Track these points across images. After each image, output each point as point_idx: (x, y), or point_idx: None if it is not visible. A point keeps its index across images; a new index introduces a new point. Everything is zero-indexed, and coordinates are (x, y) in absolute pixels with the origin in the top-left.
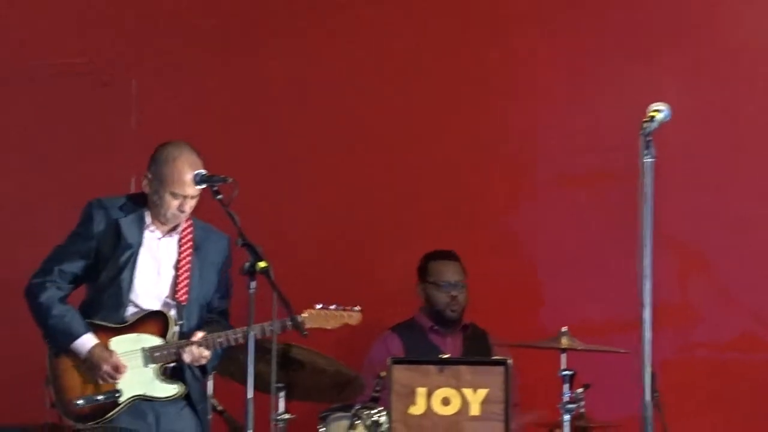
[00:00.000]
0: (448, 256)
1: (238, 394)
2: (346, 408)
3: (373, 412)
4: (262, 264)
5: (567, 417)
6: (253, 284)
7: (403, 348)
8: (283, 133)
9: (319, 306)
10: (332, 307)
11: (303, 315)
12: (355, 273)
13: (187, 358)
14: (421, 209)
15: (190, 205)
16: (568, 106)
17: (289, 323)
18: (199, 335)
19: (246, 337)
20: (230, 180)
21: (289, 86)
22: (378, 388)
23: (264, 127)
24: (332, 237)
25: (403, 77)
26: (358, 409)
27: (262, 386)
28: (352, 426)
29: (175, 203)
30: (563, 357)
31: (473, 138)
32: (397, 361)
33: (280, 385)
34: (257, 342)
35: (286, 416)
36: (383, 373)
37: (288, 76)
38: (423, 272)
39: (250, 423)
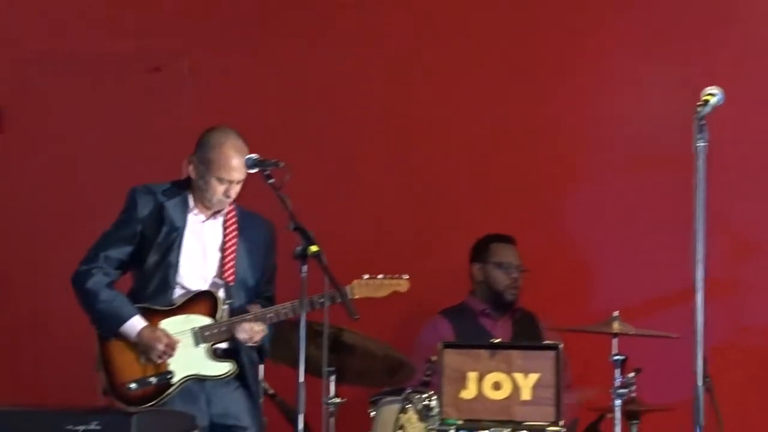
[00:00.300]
0: (509, 239)
1: (288, 378)
2: (396, 392)
3: (423, 396)
4: (313, 248)
5: (618, 402)
6: (304, 268)
7: (453, 332)
8: (337, 114)
9: (366, 276)
10: (380, 276)
11: (351, 285)
12: (406, 256)
13: (242, 335)
14: (473, 193)
15: (235, 190)
16: (620, 90)
17: (339, 299)
18: (253, 308)
19: (295, 311)
20: (282, 164)
21: (344, 66)
22: (429, 373)
23: (318, 108)
24: (383, 222)
25: (461, 58)
26: (409, 393)
27: (313, 370)
28: (403, 410)
29: (221, 188)
30: (614, 342)
31: (527, 122)
32: (448, 345)
33: (331, 369)
34: (308, 326)
35: (337, 400)
36: (434, 358)
37: (343, 56)
38: (483, 253)
39: (302, 406)
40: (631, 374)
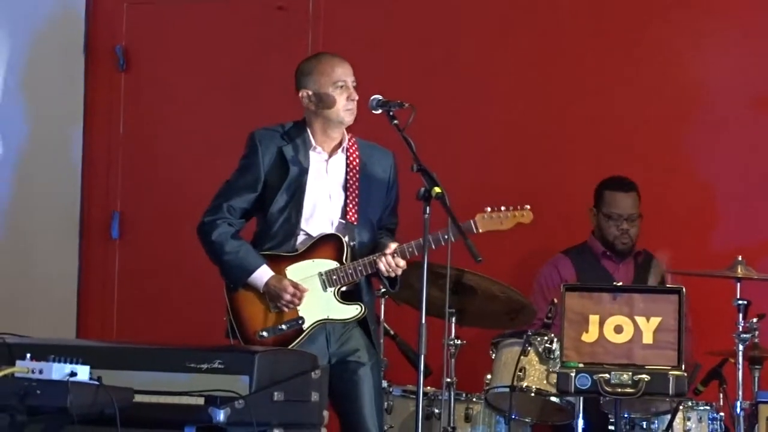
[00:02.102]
0: (624, 186)
1: (409, 319)
2: (518, 334)
3: (545, 338)
4: (437, 189)
5: (741, 347)
6: (428, 209)
7: (575, 272)
8: (461, 55)
9: (488, 209)
10: (502, 208)
11: (474, 219)
12: (528, 195)
13: (382, 266)
14: (597, 131)
15: (355, 93)
16: (741, 31)
17: (459, 235)
18: (393, 246)
19: (437, 243)
20: (406, 105)
21: (465, 11)
22: (550, 315)
23: (442, 48)
24: (506, 158)
25: (596, 14)
26: (530, 335)
27: (434, 311)
28: (524, 352)
29: (342, 96)
30: (738, 286)
31: (650, 65)
32: (570, 288)
33: (452, 310)
34: (430, 267)
35: (458, 341)
36: (555, 300)
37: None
38: (598, 199)
39: (423, 347)
40: (755, 319)
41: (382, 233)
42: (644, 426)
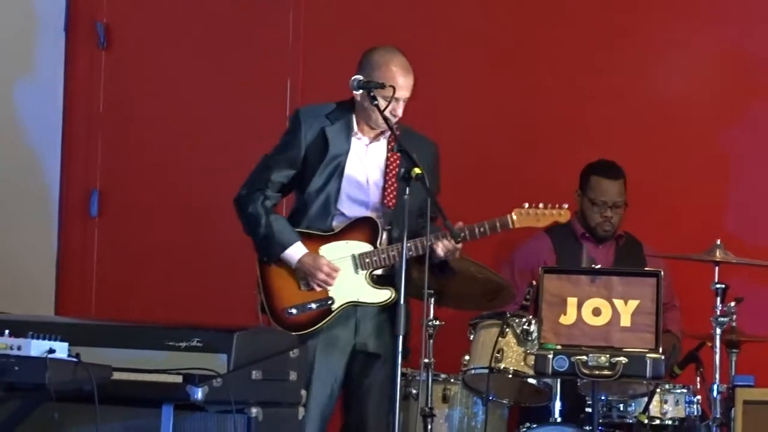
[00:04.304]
0: (611, 173)
1: None
2: (496, 315)
3: (523, 320)
4: (417, 170)
5: (718, 330)
6: (407, 190)
7: (554, 250)
8: (457, 34)
9: (526, 205)
10: (540, 205)
11: (512, 215)
12: (514, 173)
13: (440, 250)
14: (583, 112)
15: (401, 108)
16: (721, 22)
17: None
18: (459, 224)
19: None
20: (387, 85)
21: None
22: (528, 297)
23: (431, 26)
24: (492, 137)
25: None
26: (508, 317)
27: (413, 292)
28: (502, 333)
29: (388, 107)
30: (716, 270)
31: (636, 51)
32: (549, 270)
33: (430, 291)
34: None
35: (436, 322)
36: (534, 282)
37: None
38: (584, 183)
39: (401, 328)
40: (732, 303)
41: (423, 221)
42: (621, 408)
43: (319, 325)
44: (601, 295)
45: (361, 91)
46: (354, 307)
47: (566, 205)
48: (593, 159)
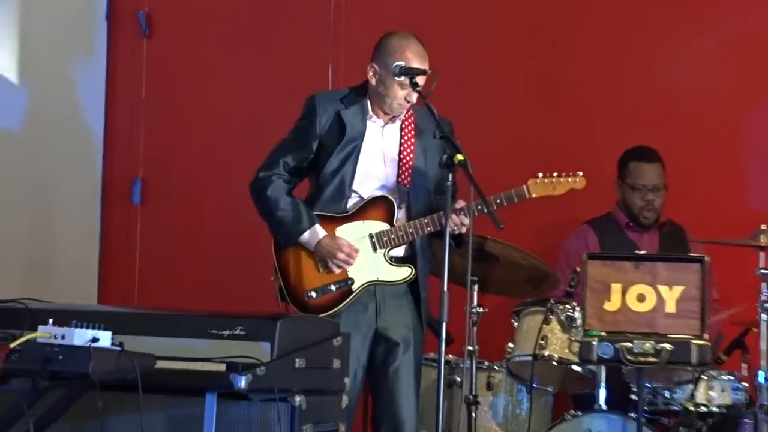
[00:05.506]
0: (648, 156)
1: (432, 287)
2: (540, 302)
3: (567, 307)
4: (459, 157)
5: (765, 316)
6: (450, 176)
7: (599, 243)
8: (484, 17)
9: (540, 175)
10: (554, 174)
11: (527, 185)
12: (553, 163)
13: (450, 225)
14: (622, 99)
15: (415, 95)
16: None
17: (481, 209)
18: (462, 203)
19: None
20: (429, 71)
21: None
22: (573, 284)
23: (464, 14)
24: (531, 126)
25: None
26: (553, 303)
27: (456, 279)
28: (546, 320)
29: (402, 93)
30: (761, 255)
31: (674, 36)
32: (593, 257)
33: (474, 278)
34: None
35: (480, 309)
36: (578, 269)
37: None
38: (622, 170)
39: (445, 315)
40: None
41: (442, 197)
42: (667, 395)
43: (340, 306)
44: (645, 281)
45: (402, 77)
46: (374, 288)
47: (580, 173)
48: (625, 145)
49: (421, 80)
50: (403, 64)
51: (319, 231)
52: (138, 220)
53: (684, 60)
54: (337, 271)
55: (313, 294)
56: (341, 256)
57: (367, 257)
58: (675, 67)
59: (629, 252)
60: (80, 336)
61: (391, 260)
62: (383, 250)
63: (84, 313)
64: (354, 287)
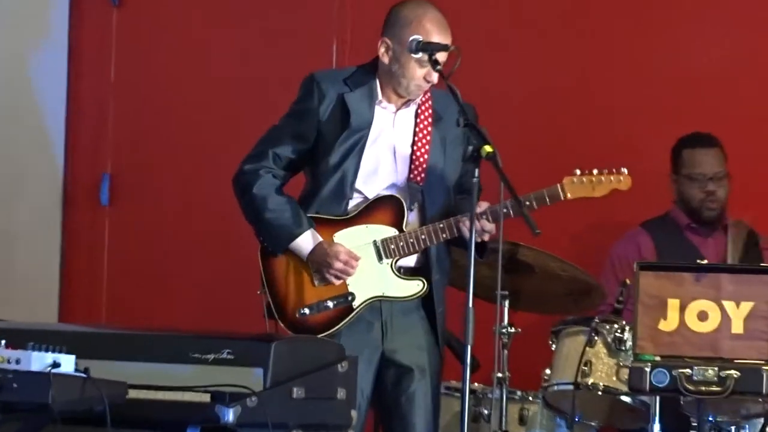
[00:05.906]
0: (704, 141)
1: (453, 302)
2: (582, 321)
3: (615, 326)
4: (488, 149)
5: None
6: (476, 172)
7: (655, 248)
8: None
9: (578, 172)
10: (594, 171)
11: (561, 183)
12: (598, 158)
13: (466, 231)
14: (676, 89)
15: (435, 75)
16: None
17: (511, 209)
18: (484, 205)
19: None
20: (452, 48)
21: None
22: (621, 298)
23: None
24: (574, 119)
25: None
26: (598, 322)
27: (483, 293)
28: (590, 342)
29: (421, 72)
30: None
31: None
32: (645, 267)
33: (504, 292)
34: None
35: (511, 329)
36: (628, 281)
37: None
38: (676, 161)
39: (470, 337)
40: None
41: (465, 197)
42: (732, 431)
43: (339, 326)
44: (708, 296)
45: (420, 54)
46: (379, 303)
47: (625, 170)
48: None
49: (442, 57)
50: (420, 38)
51: (313, 238)
52: (106, 224)
53: (742, 44)
54: (336, 283)
55: (307, 311)
56: (338, 265)
57: (370, 268)
58: (735, 51)
59: (688, 262)
60: (38, 360)
61: (399, 272)
62: (390, 260)
63: (43, 333)
64: (355, 304)
